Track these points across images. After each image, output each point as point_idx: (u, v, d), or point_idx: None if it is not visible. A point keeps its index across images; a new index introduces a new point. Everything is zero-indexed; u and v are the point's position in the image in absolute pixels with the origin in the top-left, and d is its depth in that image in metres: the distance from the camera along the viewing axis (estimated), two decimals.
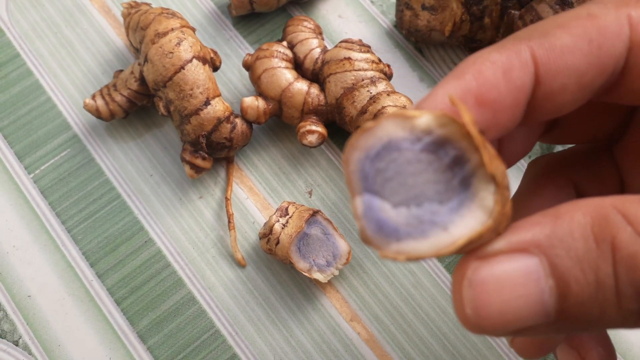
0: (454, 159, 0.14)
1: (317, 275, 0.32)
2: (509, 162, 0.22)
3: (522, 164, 0.37)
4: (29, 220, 0.36)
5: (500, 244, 0.15)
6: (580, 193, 0.23)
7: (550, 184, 0.23)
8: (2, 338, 0.33)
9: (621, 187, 0.22)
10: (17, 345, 0.33)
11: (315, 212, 0.33)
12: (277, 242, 0.32)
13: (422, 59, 0.40)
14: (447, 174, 0.15)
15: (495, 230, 0.15)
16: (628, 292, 0.14)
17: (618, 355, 0.32)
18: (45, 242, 0.35)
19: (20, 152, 0.37)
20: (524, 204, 0.23)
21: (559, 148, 0.37)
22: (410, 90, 0.39)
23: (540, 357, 0.25)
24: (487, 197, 0.14)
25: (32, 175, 0.37)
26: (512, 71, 0.16)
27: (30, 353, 0.32)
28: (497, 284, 0.15)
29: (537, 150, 0.37)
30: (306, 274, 0.32)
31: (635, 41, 0.16)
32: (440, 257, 0.19)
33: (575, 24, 0.16)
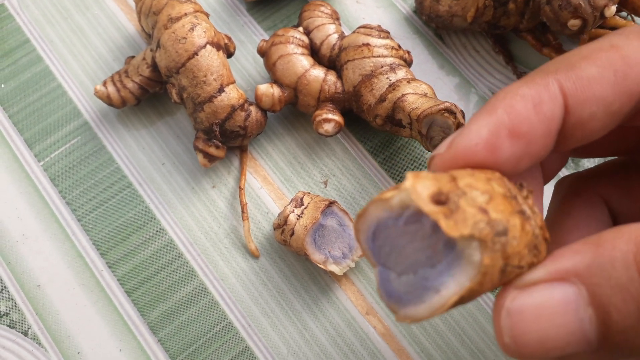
0: (433, 225, 0.16)
1: (333, 267, 0.31)
2: (547, 178, 0.22)
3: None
4: (38, 209, 0.35)
5: (539, 272, 0.15)
6: (613, 209, 0.22)
7: (582, 202, 0.22)
8: (12, 328, 0.32)
9: None
10: (26, 335, 0.32)
11: (331, 203, 0.32)
12: (292, 233, 0.32)
13: (442, 46, 0.39)
14: (432, 239, 0.16)
15: (502, 273, 0.15)
16: None
17: None
18: (55, 231, 0.34)
19: (30, 139, 0.37)
20: (557, 225, 0.22)
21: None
22: (429, 77, 0.38)
23: None
24: (473, 253, 0.15)
25: (42, 163, 0.36)
26: (542, 104, 0.17)
27: (39, 344, 0.32)
28: (534, 312, 0.15)
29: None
30: (321, 266, 0.31)
31: None
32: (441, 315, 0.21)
33: (599, 56, 0.17)
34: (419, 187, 0.15)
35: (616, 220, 0.23)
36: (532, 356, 0.15)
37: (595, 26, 0.33)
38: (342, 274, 0.32)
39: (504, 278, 0.16)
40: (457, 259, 0.15)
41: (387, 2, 0.40)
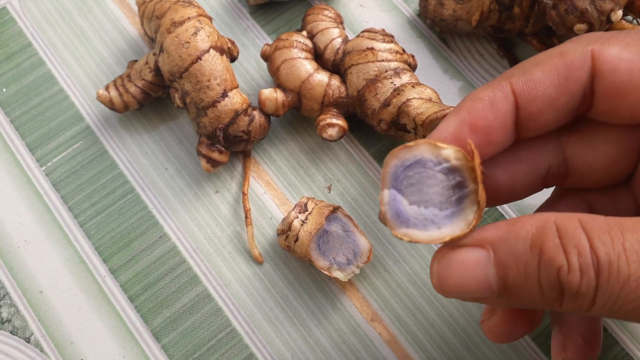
0: (458, 183, 0.21)
1: (337, 274, 0.31)
2: (518, 197, 0.26)
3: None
4: (40, 214, 0.35)
5: (466, 239, 0.21)
6: (594, 212, 0.25)
7: (564, 204, 0.26)
8: (14, 335, 0.32)
9: (636, 210, 0.25)
10: (28, 342, 0.32)
11: (335, 209, 0.32)
12: (296, 239, 0.31)
13: (446, 50, 0.39)
14: (450, 192, 0.21)
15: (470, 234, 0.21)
16: (546, 284, 0.19)
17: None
18: (57, 237, 0.34)
19: (32, 144, 0.36)
20: None
21: None
22: (433, 81, 0.38)
23: (506, 343, 0.30)
24: (470, 214, 0.21)
25: (44, 168, 0.36)
26: (497, 103, 0.21)
27: (42, 350, 0.32)
28: (456, 265, 0.21)
29: None
30: (326, 273, 0.31)
31: (597, 70, 0.21)
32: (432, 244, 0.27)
33: (548, 61, 0.21)
34: (477, 157, 0.20)
35: None
36: (452, 295, 0.21)
37: (602, 30, 0.33)
38: (347, 280, 0.32)
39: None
40: (460, 213, 0.21)
41: (391, 6, 0.40)
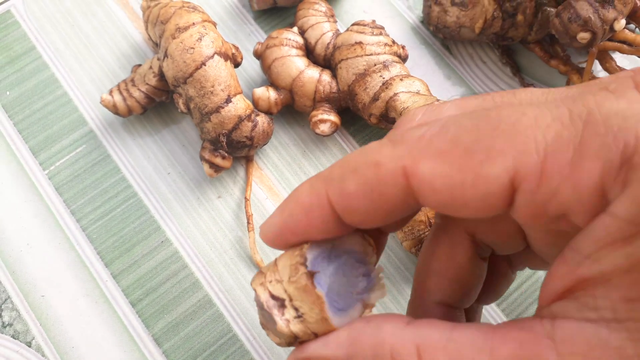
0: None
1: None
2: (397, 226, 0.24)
3: None
4: (43, 218, 0.35)
5: (312, 350, 0.20)
6: (477, 242, 0.23)
7: (446, 239, 0.24)
8: (15, 339, 0.32)
9: (518, 234, 0.23)
10: (30, 346, 0.32)
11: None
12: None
13: (449, 57, 0.39)
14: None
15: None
16: None
17: None
18: (60, 241, 0.34)
19: (35, 147, 0.36)
20: (424, 262, 0.24)
21: None
22: (436, 88, 0.38)
23: None
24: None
25: (47, 172, 0.36)
26: (312, 210, 0.20)
27: (43, 355, 0.32)
28: None
29: None
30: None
31: (412, 187, 0.18)
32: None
33: (363, 172, 0.19)
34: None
35: (490, 246, 0.23)
36: None
37: (605, 39, 0.33)
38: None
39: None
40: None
41: (395, 12, 0.40)
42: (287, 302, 0.20)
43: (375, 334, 0.19)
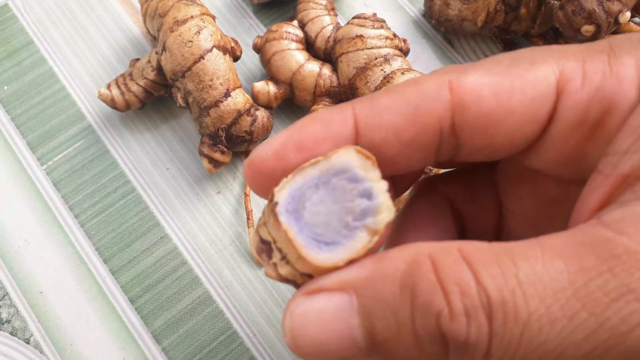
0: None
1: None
2: (403, 189, 0.23)
3: None
4: (41, 214, 0.34)
5: (326, 281, 0.17)
6: (458, 210, 0.23)
7: (426, 202, 0.23)
8: (13, 335, 0.32)
9: (497, 208, 0.23)
10: (28, 343, 0.32)
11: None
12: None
13: (451, 51, 0.39)
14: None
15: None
16: (424, 335, 0.15)
17: None
18: (58, 237, 0.34)
19: (33, 142, 0.36)
20: (399, 227, 0.23)
21: None
22: None
23: None
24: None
25: (44, 167, 0.35)
26: (331, 124, 0.18)
27: (41, 352, 0.31)
28: (313, 317, 0.16)
29: None
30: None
31: (458, 103, 0.18)
32: None
33: (399, 89, 0.18)
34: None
35: (463, 220, 0.23)
36: (311, 356, 0.17)
37: (609, 32, 0.32)
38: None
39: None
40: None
41: (396, 5, 0.40)
42: (272, 245, 0.18)
43: (405, 249, 0.16)
